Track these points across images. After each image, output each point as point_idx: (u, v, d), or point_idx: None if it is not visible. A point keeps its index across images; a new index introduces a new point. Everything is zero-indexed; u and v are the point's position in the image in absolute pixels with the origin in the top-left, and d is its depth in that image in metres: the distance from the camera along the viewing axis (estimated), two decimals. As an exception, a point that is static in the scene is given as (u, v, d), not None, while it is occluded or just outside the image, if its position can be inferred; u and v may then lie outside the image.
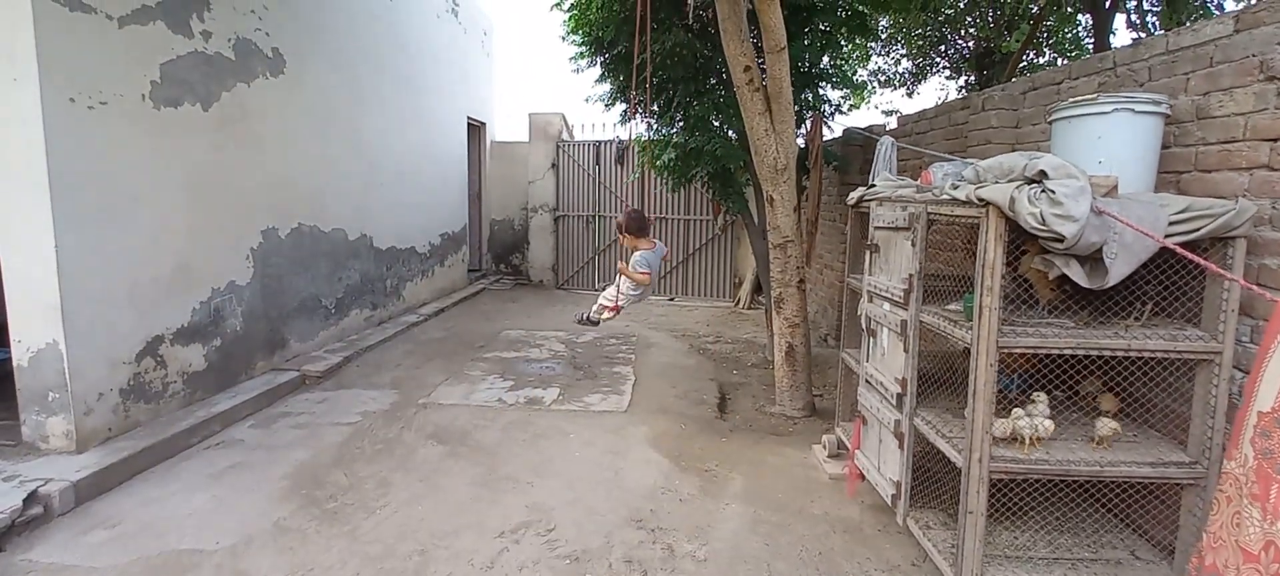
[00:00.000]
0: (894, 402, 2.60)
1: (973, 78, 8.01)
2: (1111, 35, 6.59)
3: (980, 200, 1.96)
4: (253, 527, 2.84)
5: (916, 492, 2.60)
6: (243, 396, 4.18)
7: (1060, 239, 1.80)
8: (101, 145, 3.29)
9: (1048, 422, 2.05)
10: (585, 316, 4.17)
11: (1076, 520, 2.43)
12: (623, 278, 3.92)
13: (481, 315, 7.60)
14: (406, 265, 7.11)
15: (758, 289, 8.48)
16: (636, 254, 3.86)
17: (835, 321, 6.38)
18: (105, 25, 3.31)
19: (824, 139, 5.48)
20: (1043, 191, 1.84)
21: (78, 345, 3.18)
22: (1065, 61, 7.65)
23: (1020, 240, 2.06)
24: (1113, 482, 2.14)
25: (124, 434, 3.45)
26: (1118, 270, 1.85)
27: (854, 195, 3.25)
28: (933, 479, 2.62)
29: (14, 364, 3.17)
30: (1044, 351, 2.00)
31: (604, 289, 4.09)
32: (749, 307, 8.42)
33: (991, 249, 1.95)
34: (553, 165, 9.60)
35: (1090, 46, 6.98)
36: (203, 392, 4.05)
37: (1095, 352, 1.98)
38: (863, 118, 9.56)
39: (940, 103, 6.07)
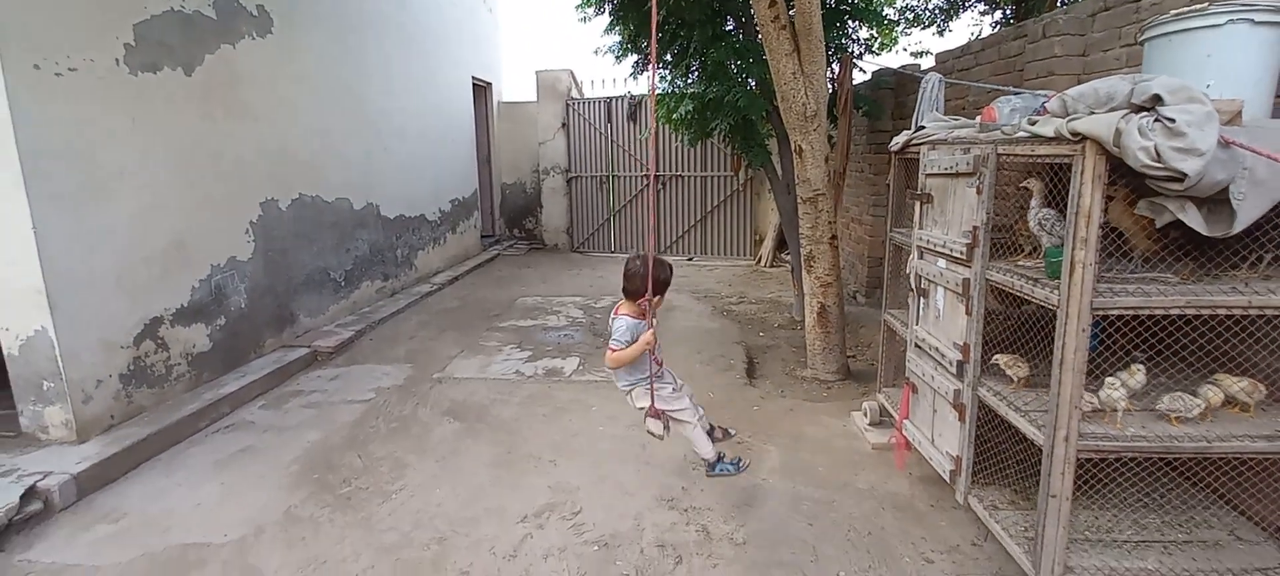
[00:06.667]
0: (953, 370, 2.33)
1: (1010, 10, 7.42)
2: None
3: (1074, 134, 1.64)
4: (263, 518, 2.68)
5: (975, 466, 2.35)
6: (252, 376, 4.02)
7: (1180, 178, 1.49)
8: (75, 116, 3.04)
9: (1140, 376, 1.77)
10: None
11: (1162, 496, 2.17)
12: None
13: (496, 282, 7.39)
14: (417, 233, 6.88)
15: (780, 246, 8.14)
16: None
17: (864, 278, 6.07)
18: (70, -18, 3.03)
19: (853, 83, 5.07)
20: (1157, 120, 1.52)
21: (69, 330, 3.00)
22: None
23: (1111, 182, 1.75)
24: (1219, 459, 1.87)
25: (128, 420, 3.30)
26: (1247, 212, 1.54)
27: (899, 139, 2.91)
28: (992, 451, 2.37)
29: (4, 352, 3.00)
30: (1147, 312, 1.71)
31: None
32: (771, 265, 8.11)
33: (1088, 193, 1.64)
34: (563, 125, 9.23)
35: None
36: (210, 374, 3.89)
37: (1208, 311, 1.69)
38: (890, 61, 9.01)
39: (981, 35, 5.59)
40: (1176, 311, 1.70)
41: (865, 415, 3.32)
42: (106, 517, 2.69)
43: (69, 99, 3.01)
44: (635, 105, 8.82)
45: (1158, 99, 1.53)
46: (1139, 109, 1.58)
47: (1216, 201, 1.58)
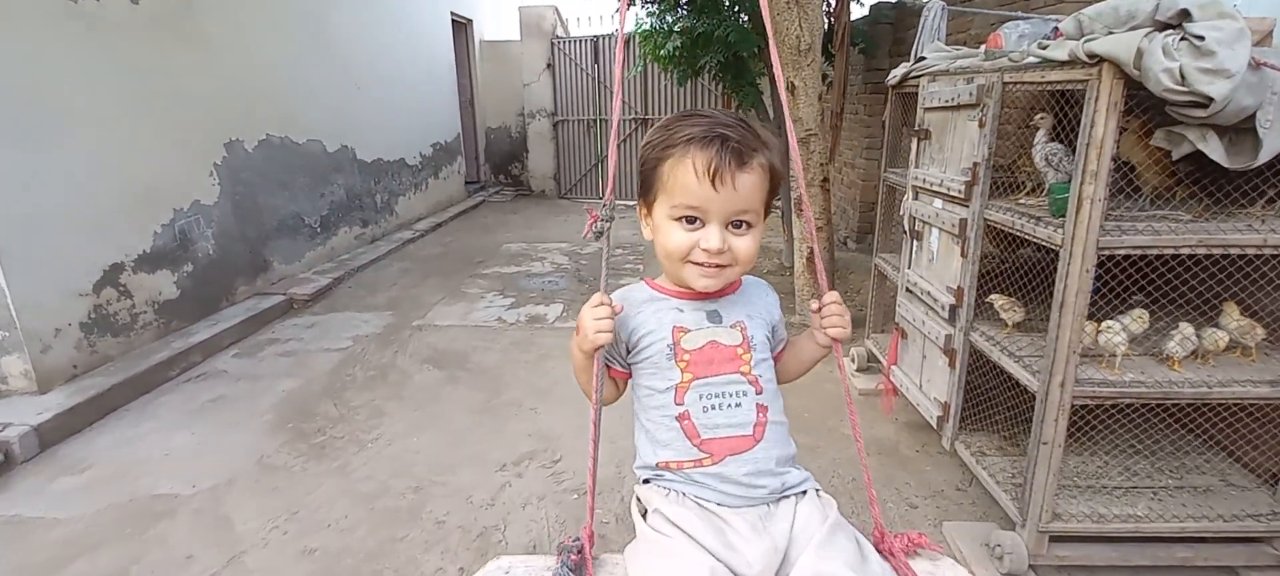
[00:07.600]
0: (945, 315, 2.24)
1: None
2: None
3: (1091, 56, 1.50)
4: (236, 467, 2.61)
5: (962, 413, 2.29)
6: (224, 324, 3.89)
7: (1205, 104, 1.36)
8: (13, 47, 2.80)
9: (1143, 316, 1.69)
10: None
11: (1152, 441, 2.12)
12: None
13: (481, 228, 7.22)
14: (397, 178, 6.65)
15: (771, 192, 7.97)
16: None
17: (856, 224, 5.95)
18: (-7, -108, 2.73)
19: (850, 17, 4.81)
20: (1183, 38, 1.38)
21: (20, 277, 2.84)
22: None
23: (1126, 112, 1.62)
24: (1218, 405, 1.80)
25: (92, 370, 3.18)
26: (1273, 142, 1.42)
27: (897, 72, 2.74)
28: (980, 398, 2.31)
29: (-47, 300, 2.85)
30: (1156, 252, 1.60)
31: None
32: (762, 212, 7.96)
33: (1102, 122, 1.51)
34: (548, 65, 8.86)
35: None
36: (179, 322, 3.75)
37: (1220, 250, 1.58)
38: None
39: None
40: (1187, 251, 1.60)
41: (852, 361, 3.25)
42: (71, 469, 2.60)
43: (4, 28, 2.76)
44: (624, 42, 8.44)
45: (1185, 14, 1.39)
46: (1164, 27, 1.43)
47: (1240, 131, 1.45)
